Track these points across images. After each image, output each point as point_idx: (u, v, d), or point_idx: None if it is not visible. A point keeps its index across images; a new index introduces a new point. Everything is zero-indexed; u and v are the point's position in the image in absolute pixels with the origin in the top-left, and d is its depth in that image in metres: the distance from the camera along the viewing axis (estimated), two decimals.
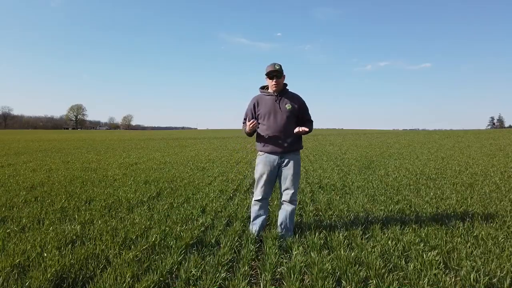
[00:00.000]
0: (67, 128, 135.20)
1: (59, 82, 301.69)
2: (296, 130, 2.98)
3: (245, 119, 3.22)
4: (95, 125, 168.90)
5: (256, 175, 3.13)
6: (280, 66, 3.00)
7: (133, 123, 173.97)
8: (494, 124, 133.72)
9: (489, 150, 13.42)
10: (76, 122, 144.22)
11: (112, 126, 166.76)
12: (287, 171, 3.05)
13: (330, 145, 18.11)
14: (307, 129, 2.99)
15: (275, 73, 2.97)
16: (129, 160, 9.81)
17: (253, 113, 3.13)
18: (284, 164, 3.06)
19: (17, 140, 22.98)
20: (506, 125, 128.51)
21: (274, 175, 3.10)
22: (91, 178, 6.39)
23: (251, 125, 2.96)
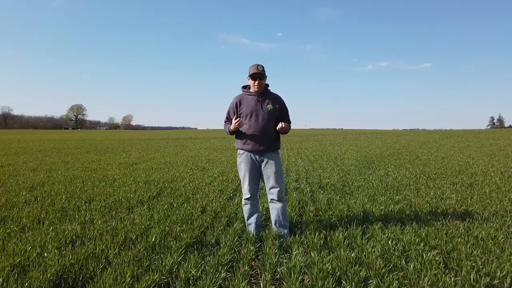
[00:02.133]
0: (67, 128, 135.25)
1: (59, 82, 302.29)
2: (279, 126, 3.02)
3: (227, 117, 3.27)
4: (95, 125, 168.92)
5: (241, 174, 3.18)
6: (263, 67, 3.09)
7: (133, 123, 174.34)
8: (494, 124, 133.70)
9: (489, 150, 13.42)
10: (76, 122, 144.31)
11: (112, 126, 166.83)
12: (270, 170, 3.10)
13: (330, 145, 18.11)
14: (288, 125, 3.11)
15: (258, 75, 3.06)
16: (129, 160, 9.81)
17: (235, 111, 3.17)
18: (264, 163, 3.11)
19: (17, 140, 22.98)
20: (506, 125, 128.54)
21: (258, 172, 3.15)
22: (91, 178, 6.39)
23: (237, 124, 3.01)
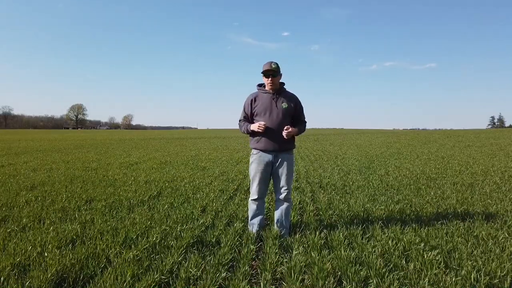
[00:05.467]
0: (68, 128, 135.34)
1: (59, 82, 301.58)
2: (285, 133, 2.95)
3: (244, 117, 3.21)
4: (96, 124, 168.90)
5: (251, 174, 3.14)
6: (277, 65, 3.01)
7: (134, 122, 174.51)
8: (494, 123, 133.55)
9: (490, 149, 13.41)
10: (76, 121, 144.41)
11: (113, 126, 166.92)
12: (282, 170, 3.06)
13: (330, 145, 18.11)
14: (296, 130, 3.05)
15: (271, 72, 2.99)
16: (129, 160, 9.82)
17: (250, 109, 3.13)
18: (278, 163, 3.07)
19: (18, 140, 22.99)
20: (507, 124, 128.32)
21: (269, 174, 3.11)
22: (91, 177, 6.39)
23: (260, 127, 2.94)
